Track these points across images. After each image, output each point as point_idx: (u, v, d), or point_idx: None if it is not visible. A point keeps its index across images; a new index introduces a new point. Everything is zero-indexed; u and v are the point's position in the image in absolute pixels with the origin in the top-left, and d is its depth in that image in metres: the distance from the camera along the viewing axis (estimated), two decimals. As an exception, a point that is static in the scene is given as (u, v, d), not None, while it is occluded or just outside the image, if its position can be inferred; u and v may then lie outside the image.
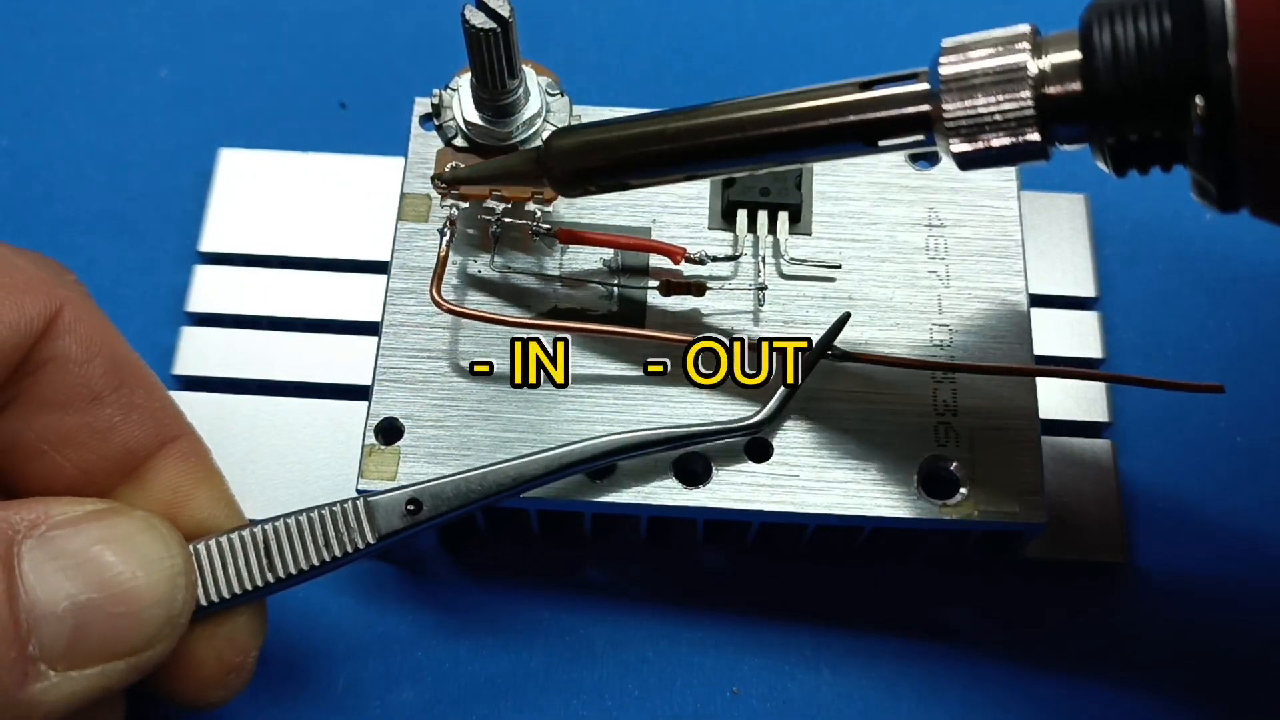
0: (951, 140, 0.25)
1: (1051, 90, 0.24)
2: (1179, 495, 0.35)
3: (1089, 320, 0.37)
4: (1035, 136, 0.25)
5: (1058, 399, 0.35)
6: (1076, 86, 0.24)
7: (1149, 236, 0.39)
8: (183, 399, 0.29)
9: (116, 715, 0.27)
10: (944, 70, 0.25)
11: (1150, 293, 0.38)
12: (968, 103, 0.25)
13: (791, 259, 0.33)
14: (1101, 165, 0.25)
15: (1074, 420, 0.35)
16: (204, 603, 0.27)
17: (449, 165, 0.32)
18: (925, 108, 0.25)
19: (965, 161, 0.26)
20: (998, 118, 0.25)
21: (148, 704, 0.28)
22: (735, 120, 0.28)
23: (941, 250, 0.34)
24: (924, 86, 0.26)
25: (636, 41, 0.42)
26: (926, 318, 0.33)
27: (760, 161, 0.28)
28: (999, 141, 0.25)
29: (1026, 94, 0.24)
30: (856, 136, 0.26)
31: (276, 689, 0.32)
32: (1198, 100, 0.22)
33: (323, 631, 0.33)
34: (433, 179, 0.31)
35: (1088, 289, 0.37)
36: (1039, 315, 0.36)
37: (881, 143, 0.26)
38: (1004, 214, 0.34)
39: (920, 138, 0.26)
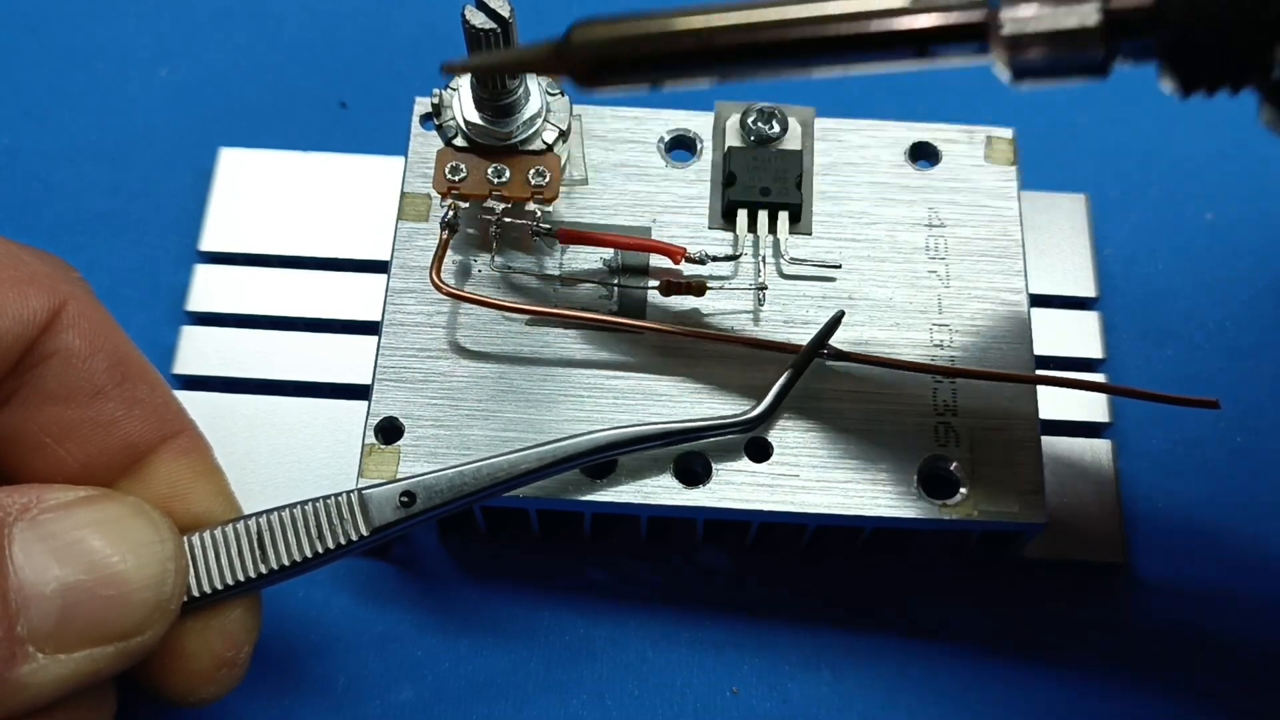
0: (1008, 51, 0.24)
1: (1120, 4, 0.23)
2: (1179, 495, 0.35)
3: (1089, 320, 0.37)
4: (1099, 52, 0.23)
5: (1058, 399, 0.35)
6: (1148, 1, 0.23)
7: (1149, 236, 0.39)
8: (183, 398, 0.29)
9: (106, 710, 0.27)
10: None
11: (1150, 293, 0.38)
12: (1029, 13, 0.23)
13: (792, 259, 0.33)
14: (1166, 85, 0.24)
15: (1074, 420, 0.35)
16: (196, 594, 0.27)
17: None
18: (981, 15, 0.24)
19: (1020, 71, 0.24)
20: (1060, 30, 0.23)
21: (139, 702, 0.28)
22: (784, 20, 0.25)
23: (941, 250, 0.34)
24: None
25: (636, 41, 0.42)
26: (926, 318, 0.33)
27: (805, 65, 0.26)
28: (1059, 54, 0.23)
29: (1093, 6, 0.23)
30: (908, 43, 0.25)
31: (276, 688, 0.32)
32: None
33: (322, 630, 0.33)
34: (441, 66, 0.29)
35: (1088, 289, 0.37)
36: (1039, 315, 0.36)
37: (933, 50, 0.25)
38: (1004, 214, 0.34)
39: (975, 47, 0.24)
